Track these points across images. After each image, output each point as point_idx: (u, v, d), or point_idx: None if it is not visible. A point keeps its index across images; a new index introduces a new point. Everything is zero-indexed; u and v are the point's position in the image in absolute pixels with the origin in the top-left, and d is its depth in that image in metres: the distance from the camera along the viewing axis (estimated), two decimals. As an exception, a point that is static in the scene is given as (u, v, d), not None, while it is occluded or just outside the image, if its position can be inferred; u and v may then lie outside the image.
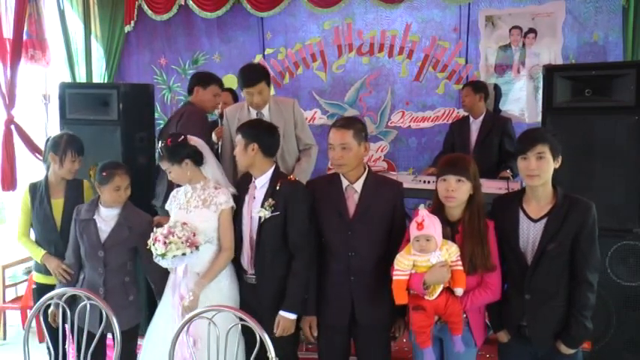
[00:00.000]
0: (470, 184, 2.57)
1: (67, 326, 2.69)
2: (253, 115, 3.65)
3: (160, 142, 3.06)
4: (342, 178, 2.86)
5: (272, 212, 2.88)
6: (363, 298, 2.83)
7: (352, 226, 2.81)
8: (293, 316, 2.88)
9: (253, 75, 3.61)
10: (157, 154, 3.06)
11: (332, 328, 2.91)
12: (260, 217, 2.90)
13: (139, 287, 3.31)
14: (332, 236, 2.87)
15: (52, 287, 3.23)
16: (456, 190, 2.56)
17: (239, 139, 2.93)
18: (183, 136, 3.06)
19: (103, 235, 3.12)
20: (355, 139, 2.78)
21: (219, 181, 3.09)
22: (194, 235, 2.87)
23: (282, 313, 2.87)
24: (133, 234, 3.11)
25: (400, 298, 2.59)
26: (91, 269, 3.14)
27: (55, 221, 3.39)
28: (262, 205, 2.90)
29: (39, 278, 3.52)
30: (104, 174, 3.10)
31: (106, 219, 3.14)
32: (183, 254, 2.83)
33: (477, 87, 4.66)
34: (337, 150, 2.78)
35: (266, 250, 2.92)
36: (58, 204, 3.40)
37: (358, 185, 2.83)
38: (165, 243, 2.81)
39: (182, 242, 2.81)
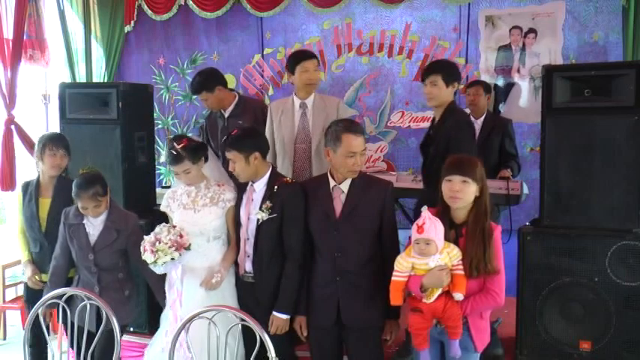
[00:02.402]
0: (475, 186, 2.54)
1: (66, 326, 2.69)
2: (297, 105, 3.65)
3: (175, 144, 3.03)
4: (330, 178, 2.86)
5: (269, 214, 2.89)
6: (349, 299, 2.82)
7: (338, 226, 2.80)
8: (285, 317, 2.90)
9: (309, 52, 3.79)
10: (166, 158, 3.04)
11: (320, 329, 2.92)
12: (258, 220, 2.91)
13: (135, 283, 3.33)
14: (319, 236, 2.87)
15: (42, 282, 3.37)
16: (461, 191, 2.53)
17: (234, 154, 2.90)
18: (190, 136, 3.12)
19: (92, 238, 3.14)
20: (365, 142, 2.82)
21: (217, 179, 3.13)
22: (181, 237, 2.86)
23: (275, 313, 2.89)
24: (121, 236, 3.13)
25: (396, 299, 2.59)
26: (84, 270, 3.17)
27: (40, 220, 3.42)
28: (260, 208, 2.91)
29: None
30: (73, 190, 3.10)
31: (94, 223, 3.15)
32: (172, 259, 2.84)
33: (487, 87, 4.64)
34: (358, 157, 2.77)
35: (264, 251, 2.94)
36: (44, 203, 3.44)
37: (345, 185, 2.83)
38: (152, 251, 2.82)
39: (169, 247, 2.82)
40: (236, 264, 3.08)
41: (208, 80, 3.93)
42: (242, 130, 3.00)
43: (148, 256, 2.84)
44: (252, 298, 2.99)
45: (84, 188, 3.05)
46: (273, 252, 2.94)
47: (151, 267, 2.88)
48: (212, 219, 3.02)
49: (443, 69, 3.34)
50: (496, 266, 2.52)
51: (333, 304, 2.84)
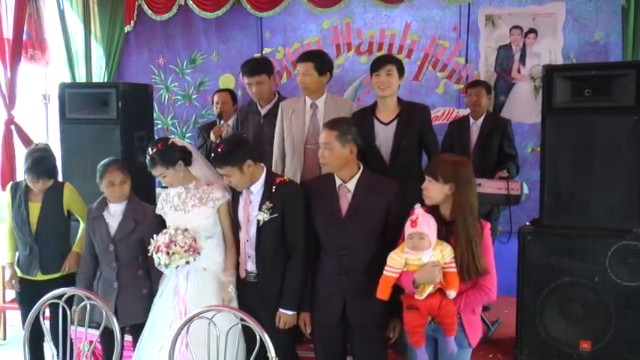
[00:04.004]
0: (441, 185, 2.58)
1: (69, 326, 2.69)
2: (308, 105, 3.66)
3: (149, 148, 3.06)
4: (336, 177, 2.88)
5: (270, 215, 2.90)
6: (354, 297, 2.84)
7: (344, 225, 2.82)
8: (292, 313, 2.93)
9: (304, 54, 3.81)
10: (148, 161, 3.06)
11: (325, 327, 2.93)
12: (259, 221, 2.92)
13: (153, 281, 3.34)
14: (325, 235, 2.89)
15: (28, 281, 3.46)
16: (426, 189, 2.63)
17: (228, 170, 2.88)
18: (170, 139, 3.13)
19: (112, 229, 3.21)
20: (338, 140, 2.81)
21: (209, 178, 3.15)
22: (195, 241, 2.92)
23: (281, 310, 2.93)
24: (139, 226, 3.20)
25: (383, 293, 2.61)
26: (105, 264, 3.23)
27: (31, 225, 3.44)
28: (260, 209, 2.92)
29: (18, 273, 3.58)
30: (99, 170, 3.21)
31: (114, 214, 3.23)
32: (187, 262, 2.90)
33: (488, 87, 4.64)
34: (322, 149, 2.85)
35: (267, 251, 2.95)
36: (34, 208, 3.46)
37: (351, 184, 2.85)
38: (168, 254, 2.86)
39: (185, 251, 2.88)
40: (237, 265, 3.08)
41: (267, 64, 3.97)
42: (227, 144, 2.93)
43: (162, 257, 2.88)
44: (256, 297, 2.99)
45: (112, 162, 3.23)
46: (276, 251, 2.95)
47: (161, 268, 2.94)
48: (201, 219, 3.03)
49: (397, 61, 3.47)
50: (486, 267, 2.54)
51: (339, 302, 2.85)
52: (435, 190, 2.60)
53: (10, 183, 3.60)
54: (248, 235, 2.99)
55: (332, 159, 2.83)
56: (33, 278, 3.48)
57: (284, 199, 2.91)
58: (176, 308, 2.96)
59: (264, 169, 3.01)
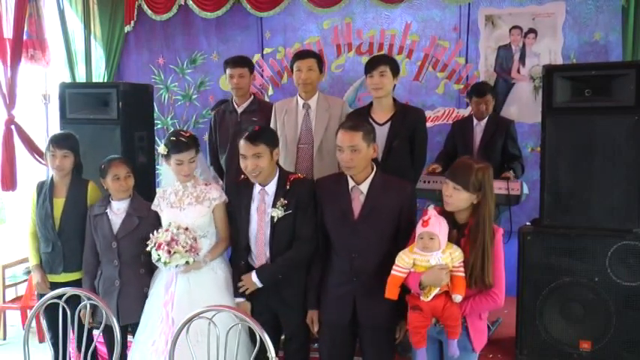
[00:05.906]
0: (467, 194, 2.53)
1: (69, 326, 2.69)
2: (301, 106, 3.71)
3: (182, 133, 3.13)
4: (349, 178, 2.85)
5: (285, 211, 2.90)
6: (365, 298, 2.83)
7: (356, 227, 2.80)
8: (258, 282, 2.95)
9: (305, 51, 3.90)
10: (169, 147, 3.07)
11: (334, 327, 2.93)
12: (273, 217, 2.92)
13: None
14: (336, 236, 2.88)
15: (53, 284, 3.36)
16: (451, 197, 2.55)
17: (263, 148, 2.84)
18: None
19: (115, 227, 3.23)
20: (365, 140, 2.76)
21: (207, 179, 3.21)
22: (195, 241, 2.95)
23: (252, 274, 2.95)
24: (143, 224, 3.21)
25: (391, 293, 2.60)
26: (107, 263, 3.24)
27: (54, 220, 3.41)
28: (274, 205, 2.92)
29: None
30: (102, 166, 3.24)
31: (117, 212, 3.25)
32: (187, 262, 2.93)
33: (493, 90, 4.63)
34: (346, 152, 2.75)
35: (281, 247, 2.95)
36: (58, 203, 3.44)
37: (364, 186, 2.82)
38: (169, 252, 2.88)
39: (186, 251, 2.90)
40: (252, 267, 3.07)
41: (250, 63, 4.14)
42: (263, 126, 3.00)
43: (162, 255, 2.90)
44: (277, 298, 3.00)
45: (115, 157, 3.34)
46: (288, 249, 2.96)
47: (159, 264, 2.97)
48: (196, 217, 3.06)
49: (391, 61, 3.48)
50: (492, 281, 2.52)
51: (349, 303, 2.85)
52: (461, 199, 2.54)
53: (38, 182, 3.58)
54: (264, 235, 2.99)
55: (360, 161, 2.76)
56: (56, 280, 3.42)
57: (298, 196, 2.92)
58: (165, 307, 2.98)
59: (277, 168, 3.01)
